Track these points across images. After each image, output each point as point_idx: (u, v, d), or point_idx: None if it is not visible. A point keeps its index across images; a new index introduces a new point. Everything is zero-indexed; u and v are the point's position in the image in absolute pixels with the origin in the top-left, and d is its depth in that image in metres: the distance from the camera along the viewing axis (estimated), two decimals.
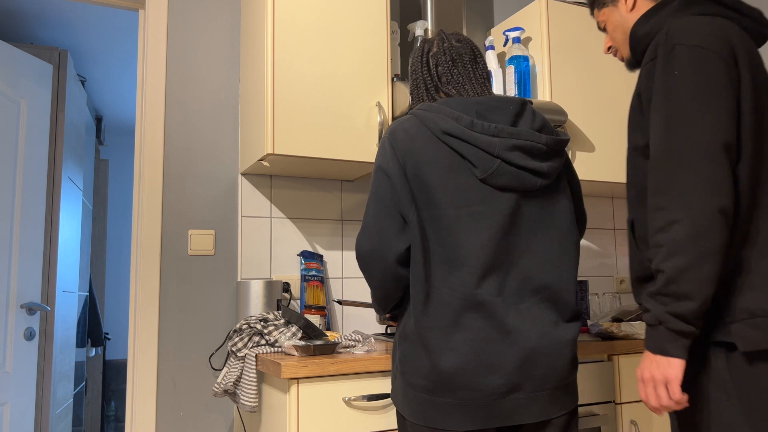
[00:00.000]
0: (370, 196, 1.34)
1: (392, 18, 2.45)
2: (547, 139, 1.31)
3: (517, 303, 1.25)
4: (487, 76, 1.43)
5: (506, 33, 2.39)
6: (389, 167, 1.30)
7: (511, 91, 2.31)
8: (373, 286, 1.36)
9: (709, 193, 1.07)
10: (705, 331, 1.16)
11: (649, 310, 1.14)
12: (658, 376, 1.13)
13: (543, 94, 2.33)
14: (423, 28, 2.25)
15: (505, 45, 2.43)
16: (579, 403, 1.82)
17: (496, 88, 2.29)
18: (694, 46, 1.13)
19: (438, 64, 1.40)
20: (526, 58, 2.32)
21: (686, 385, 1.20)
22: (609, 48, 1.47)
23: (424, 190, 1.27)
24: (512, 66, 2.32)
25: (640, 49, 1.33)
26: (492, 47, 2.36)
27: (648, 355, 1.15)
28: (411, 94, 1.48)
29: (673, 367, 1.11)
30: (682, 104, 1.12)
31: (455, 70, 1.39)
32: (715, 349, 1.16)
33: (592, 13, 1.49)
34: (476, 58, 1.42)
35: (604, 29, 1.46)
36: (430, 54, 1.42)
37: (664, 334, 1.11)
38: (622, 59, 1.44)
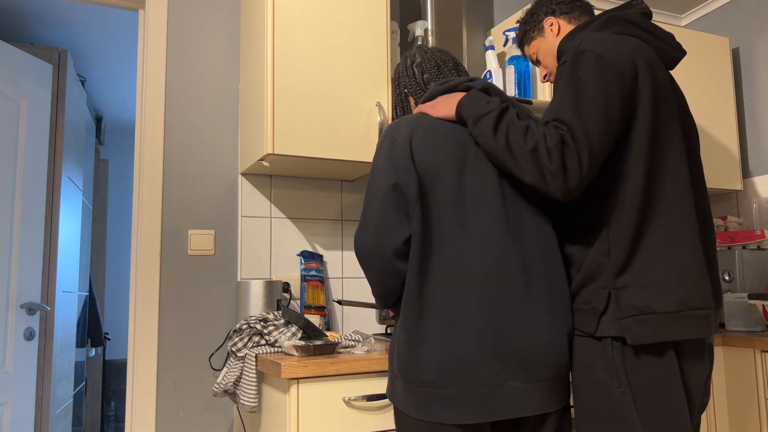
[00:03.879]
0: (370, 191, 1.34)
1: (392, 18, 2.44)
2: (534, 116, 1.42)
3: (516, 292, 1.26)
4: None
5: (506, 33, 2.40)
6: (394, 156, 1.31)
7: (511, 91, 2.31)
8: (373, 282, 1.36)
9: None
10: (599, 326, 1.26)
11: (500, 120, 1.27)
12: (450, 101, 1.34)
13: (543, 94, 2.33)
14: (423, 28, 2.25)
15: (505, 45, 2.43)
16: None
17: None
18: (598, 54, 1.25)
19: (424, 71, 1.48)
20: (526, 58, 2.32)
21: (584, 376, 1.30)
22: (545, 76, 1.59)
23: (430, 176, 1.29)
24: (512, 66, 2.32)
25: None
26: (492, 47, 2.37)
27: (455, 104, 1.33)
28: (396, 108, 1.55)
29: (450, 109, 1.34)
30: (578, 95, 1.24)
31: (440, 75, 1.47)
32: (611, 342, 1.26)
33: (523, 52, 1.64)
34: (458, 65, 1.50)
35: (537, 61, 1.60)
36: (415, 64, 1.50)
37: (476, 111, 1.28)
38: None
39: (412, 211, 1.29)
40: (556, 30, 1.53)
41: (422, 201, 1.28)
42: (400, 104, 1.54)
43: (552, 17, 1.54)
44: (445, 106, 1.34)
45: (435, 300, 1.26)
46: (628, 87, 1.25)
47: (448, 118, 1.34)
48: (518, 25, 1.63)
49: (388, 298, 1.37)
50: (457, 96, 1.34)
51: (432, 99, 1.39)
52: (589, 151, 1.19)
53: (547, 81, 1.61)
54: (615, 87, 1.23)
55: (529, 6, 1.61)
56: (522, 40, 1.62)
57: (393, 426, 1.62)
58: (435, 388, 1.23)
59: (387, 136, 1.36)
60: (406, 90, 1.52)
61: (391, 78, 1.65)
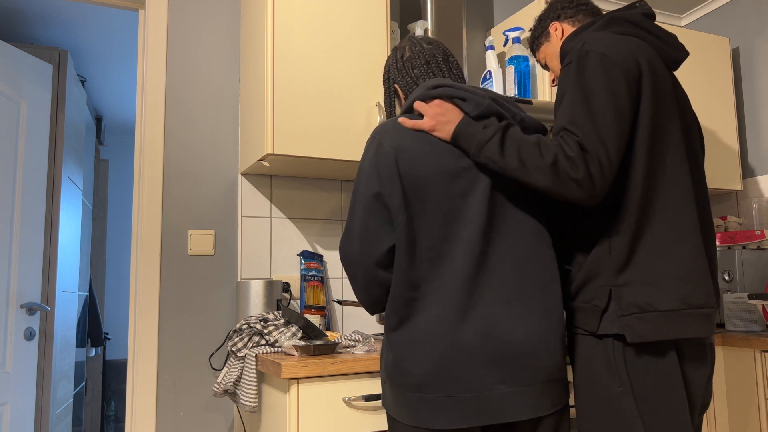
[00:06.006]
0: (354, 196, 1.33)
1: (392, 18, 2.45)
2: (524, 114, 1.38)
3: (506, 295, 1.25)
4: (461, 74, 1.47)
5: (506, 33, 2.40)
6: (379, 164, 1.29)
7: (511, 91, 2.31)
8: (357, 290, 1.36)
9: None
10: (601, 324, 1.27)
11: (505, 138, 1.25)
12: (444, 119, 1.29)
13: (543, 94, 2.33)
14: (423, 28, 2.25)
15: (505, 45, 2.44)
16: None
17: (496, 88, 2.29)
18: (602, 54, 1.27)
19: (414, 67, 1.44)
20: (526, 58, 2.32)
21: (585, 375, 1.30)
22: (553, 80, 1.61)
23: (416, 184, 1.27)
24: (512, 66, 2.32)
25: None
26: (492, 47, 2.37)
27: (457, 122, 1.29)
28: (386, 102, 1.51)
29: (446, 134, 1.29)
30: (588, 97, 1.24)
31: (430, 72, 1.43)
32: (612, 342, 1.26)
33: (535, 57, 1.67)
34: (448, 58, 1.46)
35: (545, 66, 1.63)
36: (404, 59, 1.46)
37: (477, 139, 1.25)
38: None
39: (395, 219, 1.27)
40: (560, 34, 1.56)
41: (407, 209, 1.26)
42: (390, 99, 1.50)
43: (557, 22, 1.57)
44: (441, 128, 1.30)
45: (421, 305, 1.25)
46: (634, 85, 1.26)
47: (443, 139, 1.30)
48: (530, 32, 1.67)
49: (375, 305, 1.36)
50: (454, 116, 1.30)
51: (420, 99, 1.35)
52: (608, 154, 1.19)
53: (556, 85, 1.61)
54: (623, 86, 1.24)
55: (536, 13, 1.64)
56: (532, 47, 1.66)
57: None
58: (422, 393, 1.22)
59: (374, 139, 1.34)
60: (396, 85, 1.48)
61: (383, 72, 1.62)
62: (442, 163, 1.28)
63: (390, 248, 1.29)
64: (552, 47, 1.58)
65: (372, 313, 1.41)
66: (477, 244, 1.25)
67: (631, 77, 1.26)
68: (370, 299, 1.35)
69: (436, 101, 1.32)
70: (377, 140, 1.33)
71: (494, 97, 1.35)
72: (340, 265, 2.28)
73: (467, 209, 1.27)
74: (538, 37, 1.62)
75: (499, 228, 1.29)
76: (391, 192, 1.27)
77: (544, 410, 1.25)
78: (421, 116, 1.34)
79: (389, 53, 2.04)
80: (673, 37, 1.41)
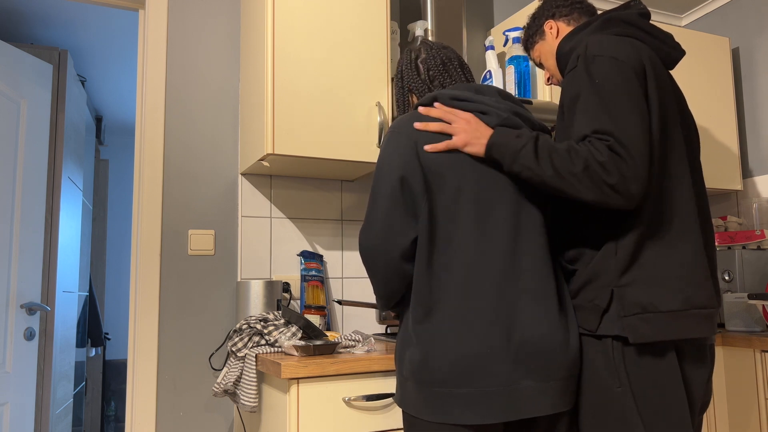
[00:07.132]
0: (376, 188, 1.32)
1: (392, 18, 2.45)
2: (534, 117, 1.39)
3: (528, 292, 1.25)
4: (473, 81, 1.48)
5: (506, 33, 2.40)
6: (399, 152, 1.29)
7: (511, 91, 2.31)
8: (377, 283, 1.35)
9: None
10: (601, 324, 1.27)
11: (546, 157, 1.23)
12: (477, 134, 1.28)
13: (543, 94, 2.33)
14: (423, 28, 2.25)
15: (505, 45, 2.44)
16: None
17: None
18: (611, 57, 1.27)
19: (429, 68, 1.45)
20: (526, 58, 2.32)
21: (585, 375, 1.30)
22: (548, 79, 1.62)
23: (437, 172, 1.27)
24: (512, 66, 2.32)
25: (564, 62, 1.47)
26: (492, 47, 2.37)
27: (488, 135, 1.28)
28: (398, 101, 1.51)
29: (479, 148, 1.28)
30: (607, 101, 1.23)
31: (446, 73, 1.44)
32: (612, 342, 1.26)
33: (529, 56, 1.66)
34: (462, 63, 1.48)
35: (540, 65, 1.63)
36: (419, 60, 1.46)
37: (511, 149, 1.25)
38: (558, 84, 1.58)
39: (419, 206, 1.28)
40: (555, 32, 1.56)
41: (429, 196, 1.27)
42: (402, 99, 1.50)
43: (552, 20, 1.57)
44: (474, 143, 1.28)
45: (446, 297, 1.24)
46: (644, 84, 1.27)
47: (475, 155, 1.29)
48: (523, 30, 1.66)
49: (392, 298, 1.36)
50: (484, 130, 1.29)
51: (436, 101, 1.36)
52: (640, 154, 1.18)
53: (551, 84, 1.62)
54: (636, 85, 1.24)
55: (532, 11, 1.63)
56: (526, 45, 1.65)
57: (393, 426, 1.62)
58: (449, 388, 1.21)
59: (393, 132, 1.34)
60: (409, 86, 1.48)
61: (394, 73, 1.62)
62: (459, 155, 1.29)
63: (414, 239, 1.29)
64: (547, 46, 1.57)
65: (385, 308, 1.40)
66: (505, 241, 1.26)
67: (640, 76, 1.26)
68: (388, 292, 1.34)
69: (463, 117, 1.30)
70: (396, 132, 1.33)
71: (515, 110, 1.35)
72: (340, 265, 2.28)
73: (493, 203, 1.28)
74: (532, 35, 1.61)
75: (522, 225, 1.29)
76: (414, 176, 1.28)
77: (564, 406, 1.26)
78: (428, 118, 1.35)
79: (389, 53, 2.04)
80: (669, 36, 1.41)
